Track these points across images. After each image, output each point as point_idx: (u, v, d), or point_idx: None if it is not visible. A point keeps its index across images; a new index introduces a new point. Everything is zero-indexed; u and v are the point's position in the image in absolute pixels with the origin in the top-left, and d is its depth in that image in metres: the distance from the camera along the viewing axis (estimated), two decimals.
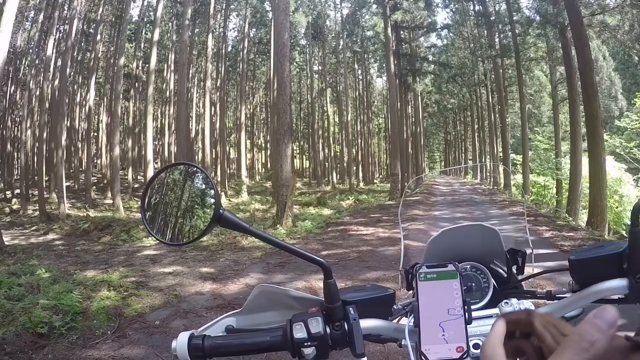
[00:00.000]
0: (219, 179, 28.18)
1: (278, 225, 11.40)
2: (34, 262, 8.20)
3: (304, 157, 51.70)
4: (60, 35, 25.22)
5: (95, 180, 28.14)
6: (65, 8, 23.63)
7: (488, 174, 38.15)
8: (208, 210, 0.75)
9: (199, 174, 0.80)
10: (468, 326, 0.77)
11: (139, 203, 0.75)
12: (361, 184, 37.34)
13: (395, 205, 17.24)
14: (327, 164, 39.91)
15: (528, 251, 1.03)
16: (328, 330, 0.75)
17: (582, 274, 0.86)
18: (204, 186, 0.79)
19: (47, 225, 14.98)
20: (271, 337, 0.75)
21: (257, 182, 36.51)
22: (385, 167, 55.65)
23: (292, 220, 11.91)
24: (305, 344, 0.73)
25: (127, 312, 5.01)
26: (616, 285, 0.81)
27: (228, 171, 33.48)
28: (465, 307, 0.77)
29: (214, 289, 5.99)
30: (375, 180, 46.57)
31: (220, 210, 0.72)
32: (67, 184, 21.52)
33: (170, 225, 0.80)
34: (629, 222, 0.83)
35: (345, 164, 35.92)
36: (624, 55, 30.98)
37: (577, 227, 11.41)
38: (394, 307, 0.86)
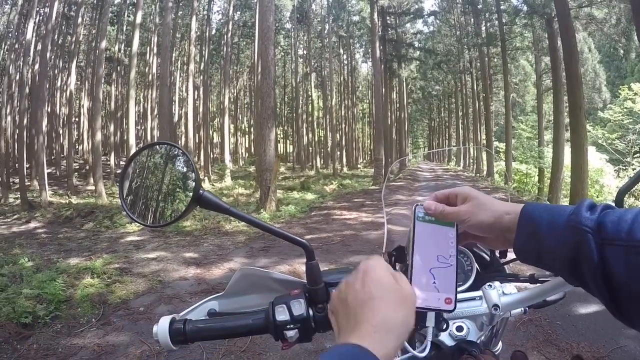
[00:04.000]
0: (202, 163, 27.95)
1: (262, 210, 11.39)
2: (16, 251, 8.08)
3: (288, 141, 51.47)
4: (41, 18, 24.58)
5: (77, 167, 27.72)
6: None
7: (471, 160, 38.44)
8: (189, 192, 0.73)
9: (179, 157, 0.79)
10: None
11: (118, 184, 0.72)
12: (345, 169, 37.33)
13: (378, 190, 17.32)
14: (310, 148, 39.77)
15: None
16: (311, 312, 0.74)
17: None
18: (184, 168, 0.78)
19: (29, 214, 14.72)
20: (253, 320, 0.75)
21: (240, 166, 36.31)
22: (369, 152, 55.73)
23: (276, 204, 11.90)
24: (288, 326, 0.72)
25: (111, 299, 4.98)
26: None
27: (211, 156, 33.19)
28: (458, 257, 0.74)
29: (197, 274, 5.98)
30: (359, 165, 46.59)
31: (200, 191, 0.71)
32: (49, 170, 21.15)
33: (151, 209, 0.79)
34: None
35: (329, 149, 35.84)
36: (610, 48, 31.42)
37: None
38: None
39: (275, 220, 10.77)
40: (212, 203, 0.72)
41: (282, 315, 0.72)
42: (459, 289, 0.97)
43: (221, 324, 0.76)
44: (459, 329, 0.87)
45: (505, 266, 1.03)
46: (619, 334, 3.56)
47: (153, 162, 0.81)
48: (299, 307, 0.73)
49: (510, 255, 1.04)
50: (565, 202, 15.30)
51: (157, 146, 0.84)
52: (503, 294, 0.89)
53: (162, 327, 0.73)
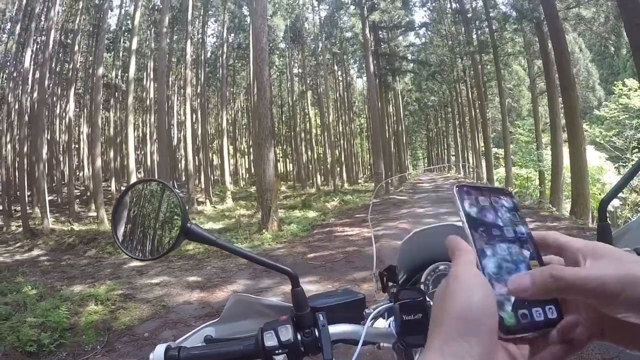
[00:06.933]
0: (202, 186, 27.99)
1: (264, 230, 11.38)
2: (19, 279, 8.09)
3: (287, 160, 51.55)
4: (38, 46, 24.89)
5: (79, 193, 27.77)
6: (42, 19, 23.30)
7: (471, 169, 38.44)
8: (177, 226, 0.77)
9: (167, 192, 0.82)
10: None
11: (111, 221, 0.76)
12: (345, 185, 37.27)
13: (379, 202, 17.30)
14: (310, 166, 39.80)
15: None
16: (299, 337, 0.77)
17: None
18: (172, 203, 0.81)
19: (31, 241, 14.74)
20: (244, 346, 0.77)
21: (241, 187, 36.33)
22: (369, 167, 55.74)
23: (278, 224, 11.90)
24: (277, 351, 0.75)
25: (116, 326, 4.98)
26: None
27: (212, 178, 33.24)
28: None
29: (201, 297, 5.97)
30: (359, 180, 46.52)
31: (188, 224, 0.74)
32: (50, 197, 21.22)
33: (142, 243, 0.82)
34: (611, 209, 0.84)
35: (328, 166, 35.86)
36: (601, 46, 31.56)
37: (560, 217, 11.58)
38: (366, 310, 0.87)
39: (278, 240, 10.76)
40: (199, 236, 0.75)
41: (270, 340, 0.75)
42: None
43: (215, 351, 0.78)
44: None
45: None
46: None
47: (142, 199, 0.84)
48: (286, 333, 0.76)
49: None
50: (567, 203, 15.25)
51: (145, 183, 0.87)
52: None
53: (157, 355, 0.75)
